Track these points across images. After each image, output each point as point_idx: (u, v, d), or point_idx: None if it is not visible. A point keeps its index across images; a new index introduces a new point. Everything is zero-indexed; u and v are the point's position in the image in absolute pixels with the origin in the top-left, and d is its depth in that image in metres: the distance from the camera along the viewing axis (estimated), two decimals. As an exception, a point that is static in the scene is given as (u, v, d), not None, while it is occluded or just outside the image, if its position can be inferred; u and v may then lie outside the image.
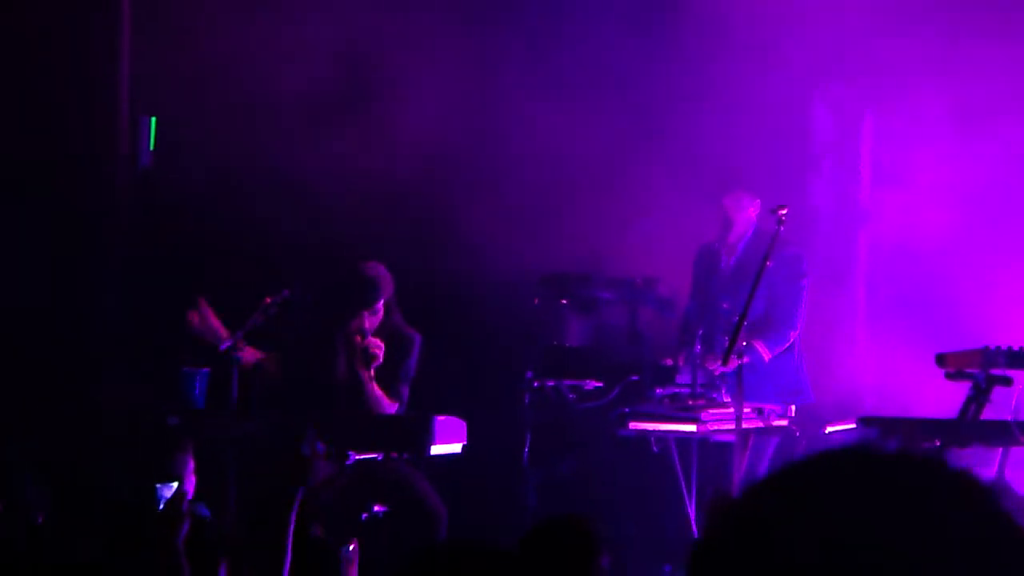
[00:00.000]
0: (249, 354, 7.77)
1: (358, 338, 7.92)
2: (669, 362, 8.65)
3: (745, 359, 7.77)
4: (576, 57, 9.57)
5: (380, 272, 8.03)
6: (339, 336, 7.98)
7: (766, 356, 8.39)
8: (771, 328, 8.42)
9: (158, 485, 4.56)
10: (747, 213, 8.71)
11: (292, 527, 4.70)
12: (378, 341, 7.92)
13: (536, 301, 9.15)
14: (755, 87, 9.26)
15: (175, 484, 4.58)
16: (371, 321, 7.99)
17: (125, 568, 4.38)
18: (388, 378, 7.96)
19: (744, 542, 1.45)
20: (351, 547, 4.93)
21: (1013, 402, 7.50)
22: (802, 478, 1.48)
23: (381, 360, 7.91)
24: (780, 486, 1.48)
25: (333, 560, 7.08)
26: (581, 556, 4.87)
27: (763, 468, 8.43)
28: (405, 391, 8.03)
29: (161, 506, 4.50)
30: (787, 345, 8.53)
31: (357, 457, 7.34)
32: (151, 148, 9.22)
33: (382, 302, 8.00)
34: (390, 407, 7.96)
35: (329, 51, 9.26)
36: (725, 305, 8.35)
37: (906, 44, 9.22)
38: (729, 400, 8.05)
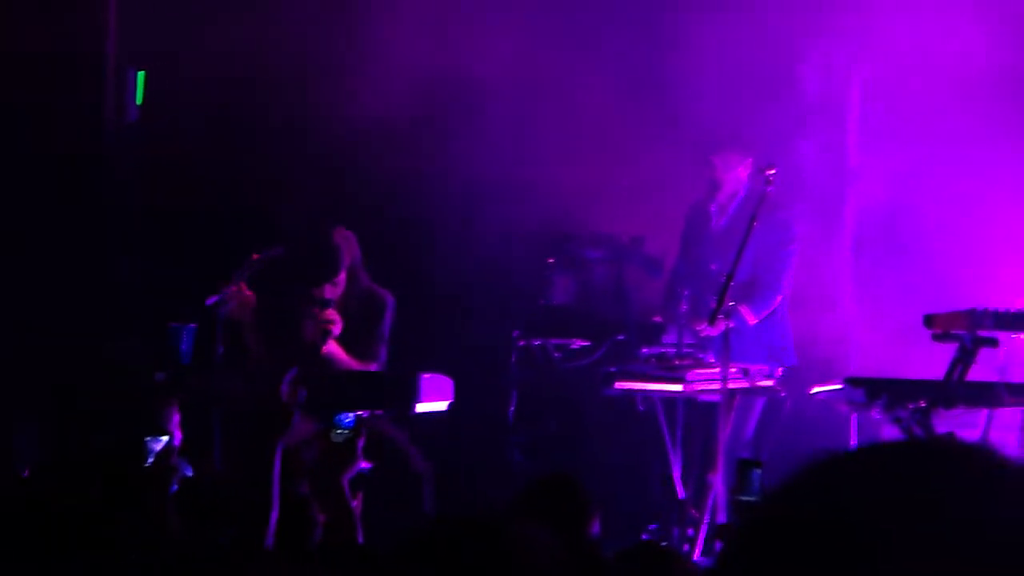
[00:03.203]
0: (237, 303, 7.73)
1: (316, 310, 7.83)
2: (658, 319, 8.65)
3: (731, 323, 7.77)
4: (564, 14, 9.52)
5: (340, 242, 7.90)
6: (305, 305, 7.90)
7: (751, 320, 8.38)
8: (756, 292, 8.40)
9: (147, 439, 4.54)
10: (737, 172, 8.67)
11: (277, 480, 4.70)
12: (333, 315, 7.81)
13: (551, 260, 9.13)
14: (743, 43, 9.23)
15: (165, 438, 4.56)
16: (333, 291, 7.90)
17: (114, 522, 4.37)
18: (364, 341, 7.90)
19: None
20: (355, 502, 4.95)
21: (999, 363, 7.52)
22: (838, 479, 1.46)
23: (337, 333, 7.83)
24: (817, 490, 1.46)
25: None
26: (574, 518, 4.87)
27: (749, 429, 8.43)
28: (382, 352, 7.97)
29: (151, 460, 4.49)
30: (772, 309, 8.51)
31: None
32: (138, 102, 9.17)
33: (343, 273, 7.91)
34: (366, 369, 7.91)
35: None
36: (714, 266, 8.35)
37: (894, 1, 9.19)
38: (715, 361, 8.05)
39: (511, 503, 4.99)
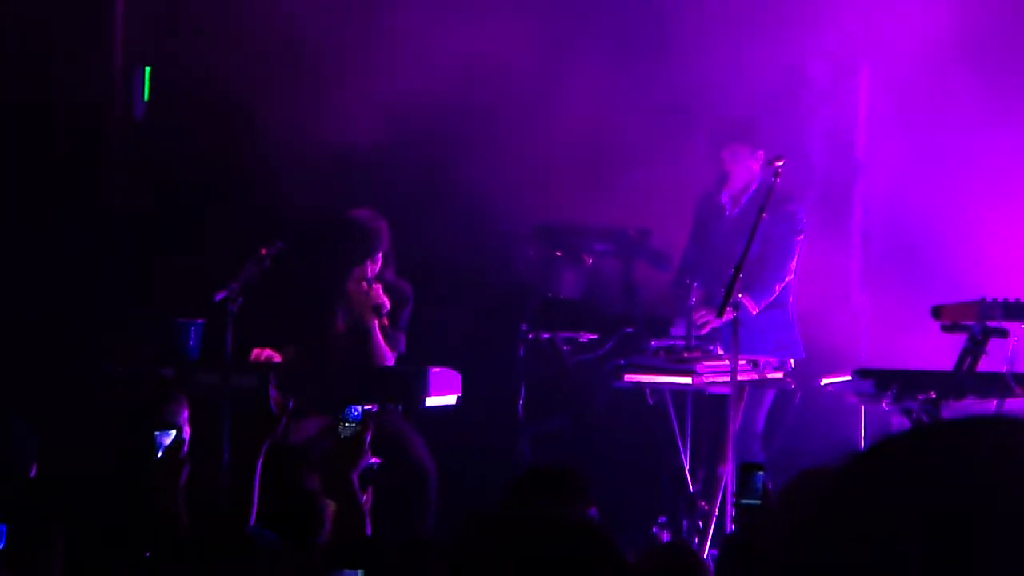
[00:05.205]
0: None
1: (364, 286, 7.97)
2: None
3: (736, 313, 7.76)
4: (568, 7, 9.51)
5: (380, 220, 8.09)
6: (341, 287, 8.00)
7: (753, 309, 8.36)
8: (757, 281, 8.38)
9: (156, 433, 4.54)
10: (746, 164, 8.67)
11: (257, 479, 4.71)
12: (381, 290, 7.97)
13: (559, 254, 9.13)
14: (751, 37, 9.21)
15: (173, 432, 4.56)
16: (372, 270, 8.04)
17: (125, 518, 4.38)
18: (388, 328, 8.01)
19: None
20: (364, 496, 4.97)
21: (1008, 354, 7.51)
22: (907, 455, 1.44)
23: (388, 308, 7.96)
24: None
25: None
26: (569, 506, 4.87)
27: (759, 421, 8.43)
28: (403, 341, 8.09)
29: (160, 454, 4.49)
30: (772, 298, 8.50)
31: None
32: (145, 99, 9.16)
33: (382, 252, 8.06)
34: (391, 357, 8.01)
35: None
36: (725, 257, 8.33)
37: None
38: (723, 353, 8.04)
39: (507, 493, 4.99)
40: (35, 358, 8.54)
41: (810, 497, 1.53)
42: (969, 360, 7.38)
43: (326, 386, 7.50)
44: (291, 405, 5.09)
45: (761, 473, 4.86)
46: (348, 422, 4.99)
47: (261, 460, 4.85)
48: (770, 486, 4.86)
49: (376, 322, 7.98)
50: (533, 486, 4.96)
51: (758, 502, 4.77)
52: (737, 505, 5.02)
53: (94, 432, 7.01)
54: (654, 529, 8.33)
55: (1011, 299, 7.43)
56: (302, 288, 8.17)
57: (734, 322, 7.69)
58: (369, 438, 5.00)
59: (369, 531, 4.84)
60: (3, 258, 8.92)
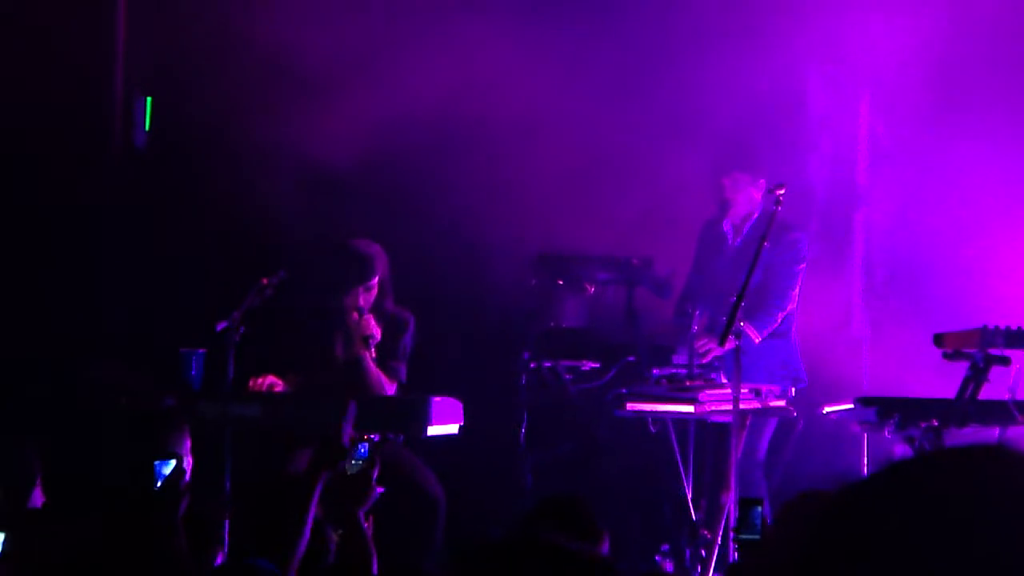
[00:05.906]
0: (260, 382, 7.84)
1: (355, 315, 7.94)
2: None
3: (738, 342, 7.76)
4: (570, 32, 9.54)
5: (374, 248, 8.06)
6: (335, 315, 7.98)
7: (755, 338, 8.37)
8: (760, 309, 8.40)
9: (156, 463, 4.53)
10: (748, 193, 8.69)
11: (312, 511, 4.71)
12: (373, 320, 7.94)
13: (560, 282, 9.13)
14: (752, 65, 9.24)
15: (173, 461, 4.55)
16: (366, 299, 8.00)
17: (123, 548, 4.37)
18: (386, 358, 7.99)
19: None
20: (365, 525, 4.96)
21: (1010, 382, 7.51)
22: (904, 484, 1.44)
23: (379, 339, 7.93)
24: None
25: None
26: (583, 538, 4.85)
27: (761, 449, 8.43)
28: (403, 370, 8.07)
29: (159, 484, 4.48)
30: (775, 326, 8.51)
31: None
32: (146, 129, 9.19)
33: (377, 279, 8.02)
34: (389, 387, 7.98)
35: (327, 24, 9.24)
36: (727, 286, 8.34)
37: (902, 23, 9.20)
38: (726, 381, 8.04)
39: (519, 523, 4.98)
40: (37, 393, 8.53)
41: (807, 520, 1.53)
42: (971, 388, 7.38)
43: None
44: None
45: (759, 508, 4.86)
46: (355, 460, 4.96)
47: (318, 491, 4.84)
48: (769, 520, 4.87)
49: (369, 353, 7.94)
50: (544, 517, 4.95)
51: (757, 536, 4.78)
52: (737, 540, 5.02)
53: (94, 463, 6.99)
54: (657, 558, 8.32)
55: (1013, 327, 7.43)
56: (299, 316, 8.16)
57: (736, 350, 7.69)
58: (376, 474, 4.97)
59: (376, 568, 4.83)
60: (5, 302, 8.93)
